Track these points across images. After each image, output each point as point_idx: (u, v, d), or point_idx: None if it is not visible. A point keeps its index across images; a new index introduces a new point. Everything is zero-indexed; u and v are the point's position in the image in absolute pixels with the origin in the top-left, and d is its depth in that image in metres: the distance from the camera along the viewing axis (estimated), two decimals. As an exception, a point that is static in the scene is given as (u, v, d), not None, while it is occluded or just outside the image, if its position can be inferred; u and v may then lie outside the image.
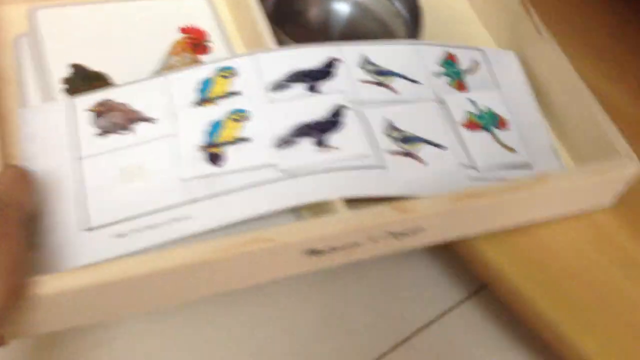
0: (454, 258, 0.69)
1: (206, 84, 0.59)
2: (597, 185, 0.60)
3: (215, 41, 0.69)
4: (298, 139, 0.55)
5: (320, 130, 0.56)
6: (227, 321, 0.67)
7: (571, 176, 0.59)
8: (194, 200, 0.53)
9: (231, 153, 0.55)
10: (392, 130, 0.58)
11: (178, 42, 0.67)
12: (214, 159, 0.54)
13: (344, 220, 0.52)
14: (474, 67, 0.67)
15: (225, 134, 0.55)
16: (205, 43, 0.68)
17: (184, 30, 0.68)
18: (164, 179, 0.54)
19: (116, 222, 0.52)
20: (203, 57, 0.67)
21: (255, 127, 0.56)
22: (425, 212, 0.53)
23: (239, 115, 0.56)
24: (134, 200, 0.53)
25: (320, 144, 0.55)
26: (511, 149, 0.61)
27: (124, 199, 0.53)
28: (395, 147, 0.58)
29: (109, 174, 0.54)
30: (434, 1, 0.77)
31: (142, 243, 0.51)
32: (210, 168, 0.54)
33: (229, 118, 0.56)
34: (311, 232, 0.51)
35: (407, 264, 0.74)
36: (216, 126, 0.56)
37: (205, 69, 0.59)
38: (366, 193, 0.55)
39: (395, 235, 0.54)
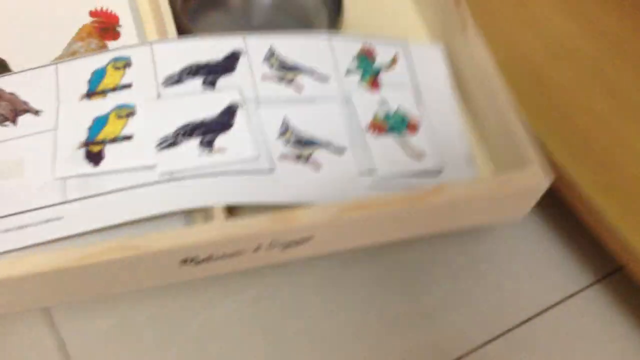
0: (581, 240, 0.68)
1: (97, 75, 0.56)
2: (500, 198, 0.57)
3: (126, 26, 0.65)
4: (183, 139, 0.53)
5: (207, 130, 0.54)
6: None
7: (468, 187, 0.55)
8: (67, 201, 0.51)
9: (111, 152, 0.52)
10: (286, 132, 0.55)
11: (84, 27, 0.64)
12: (92, 157, 0.52)
13: (221, 229, 0.50)
14: (391, 63, 0.63)
15: (107, 131, 0.53)
16: (116, 28, 0.65)
17: (93, 13, 0.65)
18: (40, 177, 0.52)
19: None
20: (111, 44, 0.64)
21: (139, 124, 0.54)
22: (307, 223, 0.50)
23: (124, 111, 0.54)
24: (7, 198, 0.51)
25: (206, 145, 0.53)
26: (419, 155, 0.58)
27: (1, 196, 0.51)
28: (287, 150, 0.55)
29: (-16, 169, 0.52)
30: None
31: (10, 244, 0.49)
32: (86, 167, 0.52)
33: (114, 113, 0.53)
34: (184, 240, 0.49)
35: (525, 246, 0.69)
36: (100, 122, 0.54)
37: (98, 59, 0.57)
38: (250, 200, 0.52)
39: (282, 244, 0.52)
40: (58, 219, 0.50)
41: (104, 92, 0.55)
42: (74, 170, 0.51)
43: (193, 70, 0.57)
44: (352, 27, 0.70)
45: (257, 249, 0.52)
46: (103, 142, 0.52)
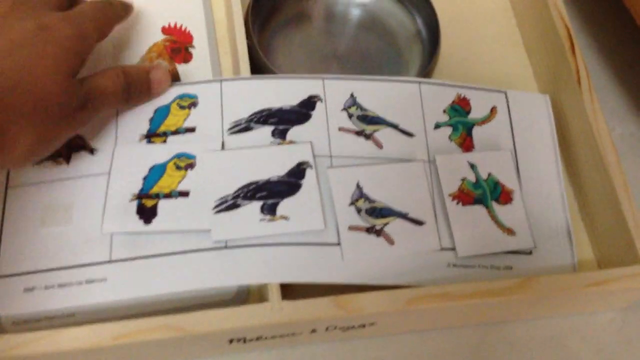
0: None
1: (161, 113, 0.51)
2: (593, 296, 0.50)
3: (199, 47, 0.60)
4: (243, 202, 0.47)
5: (271, 193, 0.48)
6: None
7: (559, 282, 0.48)
8: (113, 261, 0.46)
9: (164, 208, 0.48)
10: (359, 199, 0.49)
11: (155, 45, 0.59)
12: (144, 213, 0.47)
13: (274, 313, 0.45)
14: (489, 116, 0.56)
15: (163, 183, 0.48)
16: (188, 49, 0.60)
17: (165, 30, 0.60)
18: (89, 228, 0.47)
19: (27, 273, 0.47)
20: (182, 67, 0.58)
21: (198, 178, 0.48)
22: (370, 312, 0.45)
23: (184, 162, 0.49)
24: (51, 249, 0.47)
25: (267, 210, 0.47)
26: (509, 231, 0.51)
27: (41, 245, 0.47)
28: (358, 220, 0.49)
29: (30, 211, 0.48)
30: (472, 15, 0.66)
31: (50, 304, 0.46)
32: (137, 224, 0.47)
33: (172, 163, 0.48)
34: (233, 323, 0.44)
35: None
36: (157, 172, 0.49)
37: (163, 96, 0.51)
38: (312, 279, 0.47)
39: (342, 328, 0.47)
40: (102, 280, 0.46)
41: (165, 135, 0.50)
42: (123, 226, 0.47)
43: (263, 117, 0.51)
44: (447, 71, 0.61)
45: (313, 330, 0.47)
46: (157, 197, 0.48)
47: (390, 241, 0.49)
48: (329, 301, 0.45)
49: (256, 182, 0.48)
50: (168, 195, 0.48)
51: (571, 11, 0.67)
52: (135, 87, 0.49)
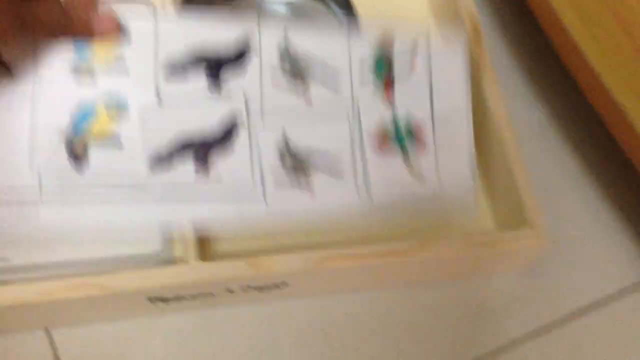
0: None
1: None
2: (490, 260, 0.56)
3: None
4: (177, 159, 0.48)
5: (205, 149, 0.49)
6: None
7: (456, 245, 0.53)
8: (45, 193, 0.47)
9: (97, 157, 0.47)
10: (285, 156, 0.51)
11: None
12: (76, 158, 0.47)
13: (190, 271, 0.48)
14: (411, 60, 0.56)
15: (95, 129, 0.48)
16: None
17: None
18: (15, 158, 0.47)
19: None
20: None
21: (131, 130, 0.48)
22: (281, 271, 0.49)
23: (117, 110, 0.48)
24: None
25: (202, 170, 0.49)
26: (420, 177, 0.55)
27: None
28: (283, 176, 0.51)
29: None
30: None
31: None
32: (69, 169, 0.47)
33: (103, 106, 0.48)
34: (152, 281, 0.47)
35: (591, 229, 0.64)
36: (87, 113, 0.48)
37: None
38: (233, 231, 0.51)
39: (258, 288, 0.51)
40: (34, 203, 0.46)
41: (93, 69, 0.48)
42: (56, 166, 0.47)
43: (200, 60, 0.50)
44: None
45: (230, 290, 0.51)
46: (88, 141, 0.47)
47: (313, 193, 0.52)
48: (242, 261, 0.49)
49: (191, 139, 0.49)
50: (100, 143, 0.47)
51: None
52: (73, 31, 0.46)
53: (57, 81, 0.47)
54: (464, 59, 0.57)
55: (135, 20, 0.49)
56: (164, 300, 0.50)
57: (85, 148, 0.47)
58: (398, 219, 0.55)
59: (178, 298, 0.50)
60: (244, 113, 0.50)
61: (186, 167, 0.49)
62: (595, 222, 0.63)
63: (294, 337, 0.54)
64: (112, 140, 0.48)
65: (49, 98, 0.47)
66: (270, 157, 0.51)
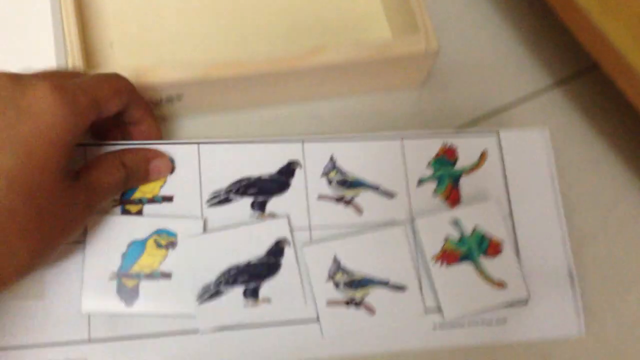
0: (551, 37, 0.66)
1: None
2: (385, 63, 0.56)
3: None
4: (226, 288, 0.48)
5: (253, 276, 0.49)
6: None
7: (349, 49, 0.54)
8: (93, 340, 0.47)
9: (146, 289, 0.48)
10: (336, 273, 0.50)
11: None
12: (125, 294, 0.48)
13: None
14: (478, 162, 0.55)
15: (144, 262, 0.49)
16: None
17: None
18: (66, 304, 0.48)
19: (3, 349, 0.47)
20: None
21: (179, 259, 0.49)
22: (168, 80, 0.51)
23: (165, 239, 0.49)
24: (27, 325, 0.47)
25: (250, 294, 0.48)
26: (500, 284, 0.51)
27: (18, 319, 0.48)
28: (336, 294, 0.49)
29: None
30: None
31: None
32: (118, 306, 0.48)
33: (152, 240, 0.49)
34: None
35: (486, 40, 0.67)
36: (136, 249, 0.49)
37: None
38: (294, 358, 0.48)
39: (152, 101, 0.52)
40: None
41: (141, 202, 0.50)
42: (104, 307, 0.48)
43: (242, 187, 0.51)
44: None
45: None
46: (138, 277, 0.48)
47: (371, 311, 0.49)
48: (128, 71, 0.48)
49: (237, 266, 0.49)
50: (149, 276, 0.48)
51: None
52: (133, 178, 0.48)
53: (108, 220, 0.49)
54: (547, 140, 0.56)
55: (178, 145, 0.52)
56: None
57: (135, 284, 0.48)
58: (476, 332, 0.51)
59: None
60: (288, 230, 0.50)
61: (234, 294, 0.48)
62: (492, 36, 0.66)
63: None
64: (160, 272, 0.49)
65: (100, 240, 0.49)
66: (319, 276, 0.49)
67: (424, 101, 0.61)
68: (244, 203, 0.51)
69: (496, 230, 0.52)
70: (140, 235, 0.49)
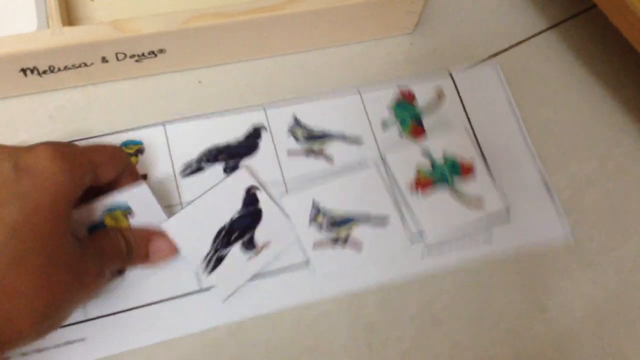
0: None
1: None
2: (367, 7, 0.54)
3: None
4: (225, 251, 0.49)
5: (243, 230, 0.50)
6: None
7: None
8: (90, 319, 0.47)
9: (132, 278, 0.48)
10: (317, 216, 0.50)
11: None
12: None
13: (54, 37, 0.48)
14: (437, 100, 0.56)
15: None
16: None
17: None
18: None
19: None
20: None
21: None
22: (148, 32, 0.49)
23: (123, 212, 0.48)
24: None
25: (249, 246, 0.49)
26: (477, 201, 0.52)
27: None
28: (321, 235, 0.50)
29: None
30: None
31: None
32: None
33: (108, 218, 0.47)
34: (12, 47, 0.47)
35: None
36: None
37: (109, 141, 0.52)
38: (287, 305, 0.49)
39: (134, 56, 0.51)
40: (80, 340, 0.47)
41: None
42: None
43: (213, 155, 0.52)
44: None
45: (104, 60, 0.50)
46: None
47: (358, 247, 0.50)
48: (107, 25, 0.48)
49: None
50: None
51: None
52: (134, 255, 0.46)
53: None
54: (499, 73, 0.58)
55: (145, 129, 0.53)
56: (37, 72, 0.49)
57: None
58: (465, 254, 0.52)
59: (51, 69, 0.49)
60: (251, 178, 0.51)
61: (234, 252, 0.49)
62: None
63: (175, 107, 0.54)
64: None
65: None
66: (301, 221, 0.50)
67: (416, 48, 0.60)
68: (216, 169, 0.52)
69: (466, 153, 0.54)
70: (95, 218, 0.48)
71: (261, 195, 0.50)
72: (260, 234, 0.49)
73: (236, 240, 0.49)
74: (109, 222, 0.46)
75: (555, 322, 0.51)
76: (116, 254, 0.44)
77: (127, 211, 0.46)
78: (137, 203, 0.46)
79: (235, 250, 0.49)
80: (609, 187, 0.56)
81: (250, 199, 0.50)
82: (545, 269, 0.52)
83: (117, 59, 0.51)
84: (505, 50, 0.61)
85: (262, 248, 0.49)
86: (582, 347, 0.50)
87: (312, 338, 0.48)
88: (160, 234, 0.47)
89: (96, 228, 0.45)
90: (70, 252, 0.39)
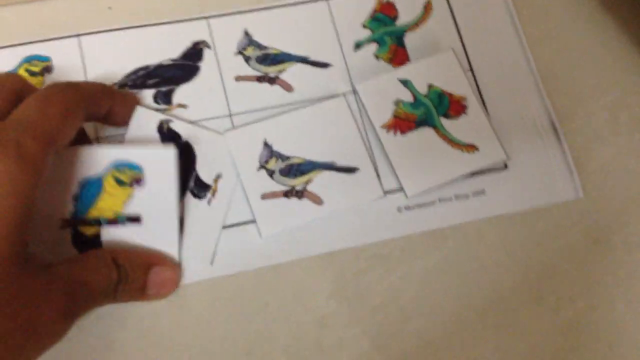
0: None
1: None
2: None
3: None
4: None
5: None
6: None
7: None
8: None
9: (109, 237, 0.38)
10: (270, 158, 0.41)
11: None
12: (83, 245, 0.37)
13: None
14: (423, 15, 0.46)
15: (103, 205, 0.38)
16: None
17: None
18: None
19: None
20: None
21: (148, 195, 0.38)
22: None
23: (129, 176, 0.38)
24: None
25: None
26: (470, 147, 0.42)
27: None
28: (272, 185, 0.40)
29: None
30: None
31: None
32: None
33: (110, 176, 0.38)
34: None
35: None
36: (91, 188, 0.38)
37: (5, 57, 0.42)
38: (232, 272, 0.40)
39: None
40: None
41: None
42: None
43: (140, 79, 0.41)
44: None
45: None
46: (99, 223, 0.38)
47: (317, 201, 0.40)
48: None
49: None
50: (113, 221, 0.38)
51: None
52: (126, 285, 0.36)
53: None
54: None
55: (54, 41, 0.42)
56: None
57: (95, 233, 0.38)
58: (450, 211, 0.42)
59: None
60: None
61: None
62: None
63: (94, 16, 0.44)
64: (127, 216, 0.39)
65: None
66: (247, 166, 0.40)
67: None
68: (145, 96, 0.41)
69: (456, 85, 0.43)
70: (94, 170, 0.38)
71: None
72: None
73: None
74: (109, 187, 0.37)
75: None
76: (101, 288, 0.34)
77: (137, 174, 0.37)
78: (153, 169, 0.37)
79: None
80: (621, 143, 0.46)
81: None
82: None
83: None
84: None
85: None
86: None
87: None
88: (163, 259, 0.37)
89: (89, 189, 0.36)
90: (15, 286, 0.29)
